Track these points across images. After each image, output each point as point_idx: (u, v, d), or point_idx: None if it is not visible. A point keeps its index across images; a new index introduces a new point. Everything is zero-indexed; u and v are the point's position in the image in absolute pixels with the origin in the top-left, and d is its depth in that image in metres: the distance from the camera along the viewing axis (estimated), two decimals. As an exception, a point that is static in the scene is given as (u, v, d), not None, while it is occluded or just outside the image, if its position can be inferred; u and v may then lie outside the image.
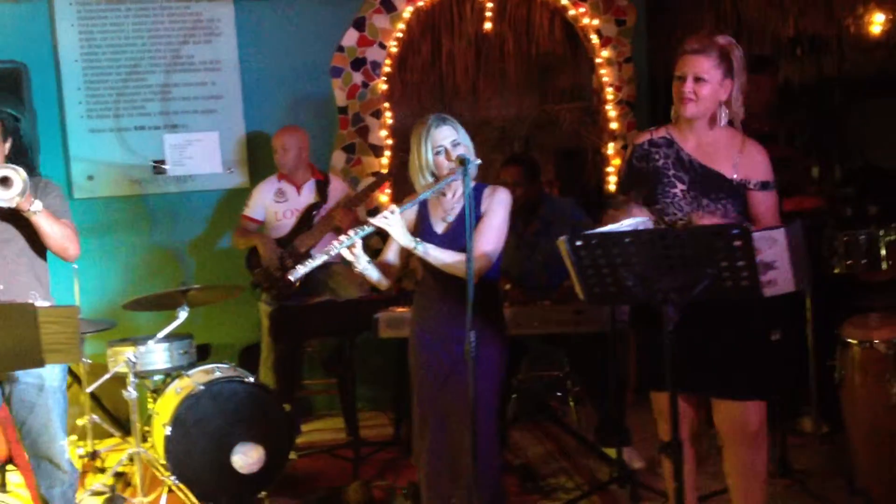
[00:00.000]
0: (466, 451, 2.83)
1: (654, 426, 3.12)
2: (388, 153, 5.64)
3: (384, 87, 5.65)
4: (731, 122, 2.94)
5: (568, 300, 3.97)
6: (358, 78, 5.63)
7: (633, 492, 3.81)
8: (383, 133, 5.65)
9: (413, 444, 3.28)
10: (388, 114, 5.67)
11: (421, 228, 3.13)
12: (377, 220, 2.92)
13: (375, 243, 4.09)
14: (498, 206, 3.03)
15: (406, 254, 3.14)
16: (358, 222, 4.23)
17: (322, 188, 5.06)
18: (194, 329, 4.48)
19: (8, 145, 3.18)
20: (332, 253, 2.95)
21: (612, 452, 4.06)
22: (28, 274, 3.19)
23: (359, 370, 4.72)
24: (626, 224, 2.60)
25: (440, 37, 5.83)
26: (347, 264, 3.05)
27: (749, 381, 2.86)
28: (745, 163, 2.87)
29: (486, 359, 2.93)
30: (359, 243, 2.95)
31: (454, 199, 3.11)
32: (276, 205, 5.05)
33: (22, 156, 3.30)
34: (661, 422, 3.02)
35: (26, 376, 3.05)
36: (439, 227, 3.11)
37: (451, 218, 3.09)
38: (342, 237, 2.96)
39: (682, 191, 2.90)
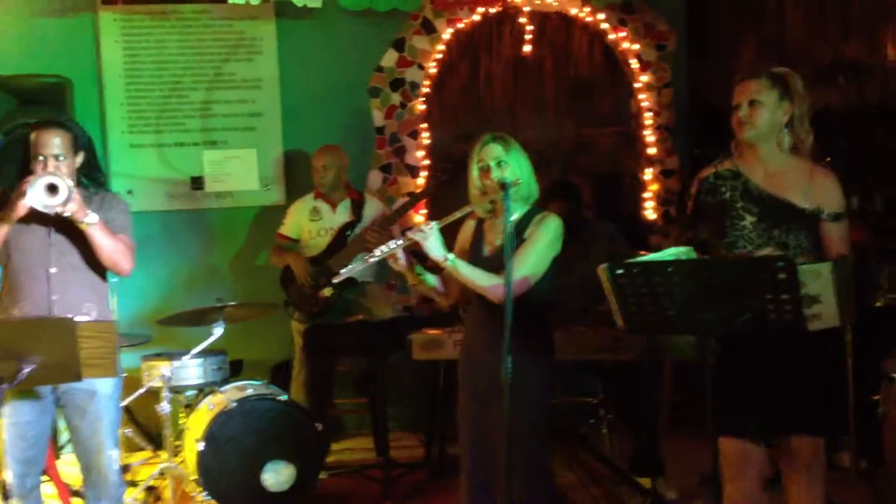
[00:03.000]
0: (511, 483, 2.79)
1: (689, 456, 3.06)
2: (424, 173, 5.65)
3: (422, 107, 5.68)
4: (795, 149, 2.89)
5: (604, 325, 3.94)
6: (396, 98, 5.66)
7: (666, 522, 3.77)
8: (420, 153, 5.67)
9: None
10: (425, 134, 5.69)
11: (473, 250, 3.14)
12: (413, 233, 2.96)
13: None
14: (542, 232, 3.00)
15: (449, 277, 3.12)
16: (390, 241, 4.24)
17: (357, 207, 5.08)
18: (227, 345, 4.49)
19: (79, 159, 3.20)
20: (371, 260, 3.02)
21: (645, 482, 4.01)
22: (83, 286, 3.20)
23: (390, 390, 4.70)
24: (668, 253, 2.57)
25: (479, 58, 5.84)
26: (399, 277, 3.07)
27: (810, 419, 2.80)
28: (817, 191, 2.82)
29: (529, 384, 2.91)
30: (400, 254, 2.98)
31: (502, 224, 3.05)
32: (310, 223, 5.08)
33: (95, 171, 3.30)
34: (729, 472, 2.85)
35: (80, 383, 3.01)
36: (487, 250, 3.10)
37: (499, 241, 3.07)
38: (383, 246, 2.99)
39: (751, 223, 2.85)
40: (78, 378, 2.85)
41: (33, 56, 5.25)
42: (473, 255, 3.09)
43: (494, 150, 3.01)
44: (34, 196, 2.97)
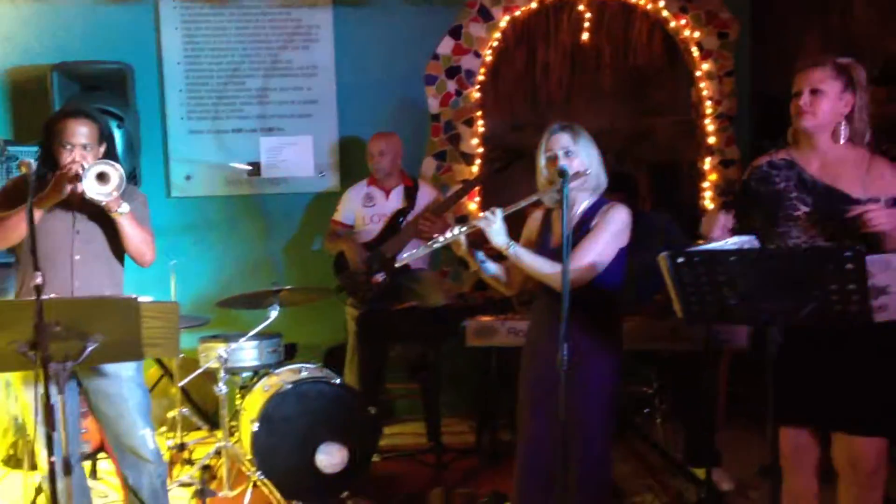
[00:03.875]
0: (567, 472, 2.77)
1: (745, 448, 3.02)
2: (478, 161, 5.64)
3: (477, 95, 5.67)
4: (851, 140, 2.83)
5: (660, 315, 3.90)
6: (452, 86, 5.65)
7: (721, 513, 3.74)
8: (475, 141, 5.66)
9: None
10: (480, 122, 5.68)
11: (541, 239, 3.12)
12: (477, 220, 2.94)
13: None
14: (608, 222, 2.97)
15: (520, 270, 3.10)
16: (445, 228, 4.24)
17: (411, 194, 5.09)
18: (282, 328, 4.55)
19: (102, 149, 3.24)
20: (434, 246, 3.00)
21: (700, 473, 3.97)
22: (104, 274, 3.24)
23: (442, 376, 4.72)
24: (730, 242, 2.53)
25: (535, 46, 5.81)
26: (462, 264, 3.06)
27: (871, 416, 2.73)
28: (875, 181, 2.75)
29: (593, 374, 2.90)
30: (463, 241, 2.98)
31: (574, 213, 3.04)
32: (364, 209, 5.10)
33: (115, 162, 3.34)
34: (787, 464, 2.82)
35: (100, 367, 3.09)
36: (553, 240, 3.07)
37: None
38: (447, 232, 2.97)
39: (805, 213, 2.80)
40: (140, 357, 2.90)
41: (96, 43, 5.34)
42: (540, 245, 3.07)
43: (562, 140, 2.99)
44: (88, 185, 3.01)
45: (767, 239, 2.80)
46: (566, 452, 2.72)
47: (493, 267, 3.12)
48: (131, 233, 3.18)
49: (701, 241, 2.78)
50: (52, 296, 2.89)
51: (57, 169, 3.14)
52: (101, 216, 3.17)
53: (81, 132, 3.16)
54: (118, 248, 3.24)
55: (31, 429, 3.24)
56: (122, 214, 3.13)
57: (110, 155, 3.25)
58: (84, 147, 3.15)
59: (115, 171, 3.03)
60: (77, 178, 3.03)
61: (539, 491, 2.99)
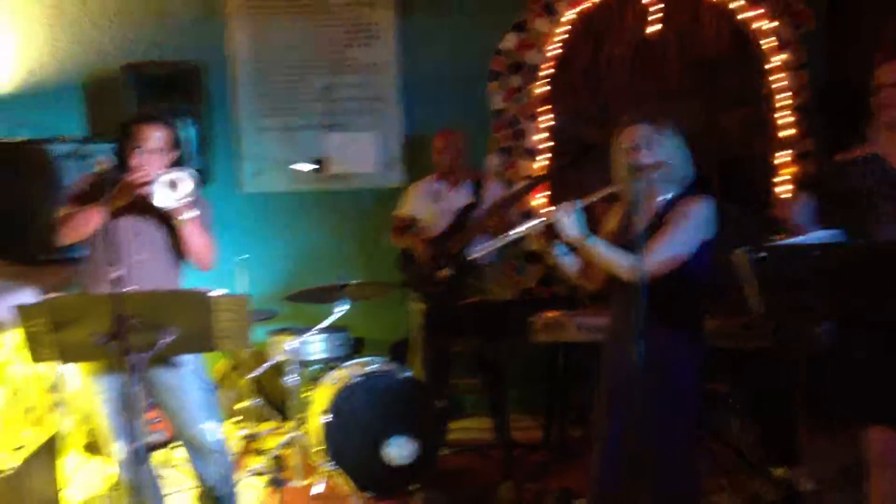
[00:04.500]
0: (648, 471, 2.74)
1: (826, 447, 2.95)
2: (542, 156, 5.61)
3: (541, 90, 5.63)
4: None
5: (734, 311, 3.83)
6: (516, 81, 5.63)
7: (801, 514, 3.67)
8: (539, 137, 5.63)
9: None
10: (544, 117, 5.65)
11: (621, 233, 3.06)
12: (554, 211, 2.90)
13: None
14: (687, 212, 2.90)
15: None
16: (510, 224, 4.23)
17: (477, 189, 5.08)
18: (349, 322, 4.59)
19: (174, 155, 3.28)
20: (509, 238, 2.98)
21: (779, 472, 3.89)
22: (159, 275, 3.28)
23: (508, 371, 4.71)
24: (813, 237, 2.46)
25: (601, 40, 5.73)
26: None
27: None
28: None
29: (674, 370, 2.85)
30: (544, 232, 2.95)
31: (652, 205, 3.00)
32: (430, 205, 5.11)
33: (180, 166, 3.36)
34: (876, 462, 2.75)
35: (161, 361, 3.14)
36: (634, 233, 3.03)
37: (644, 225, 3.01)
38: (522, 225, 2.95)
39: (892, 209, 2.74)
40: (212, 348, 2.94)
41: (167, 43, 5.45)
42: (621, 240, 3.00)
43: (638, 130, 2.94)
44: (160, 195, 3.06)
45: (851, 235, 2.73)
46: (643, 453, 2.68)
47: (573, 260, 3.07)
48: (192, 238, 3.22)
49: (780, 236, 2.72)
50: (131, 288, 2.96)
51: (127, 171, 3.19)
52: (161, 219, 3.22)
53: (156, 136, 3.21)
54: (177, 250, 3.29)
55: (99, 419, 3.30)
56: (186, 221, 3.17)
57: (182, 161, 3.30)
58: (156, 151, 3.20)
59: (189, 179, 3.08)
60: (145, 185, 3.08)
61: (615, 493, 2.94)
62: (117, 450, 3.23)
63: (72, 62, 5.46)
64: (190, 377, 3.29)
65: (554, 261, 3.05)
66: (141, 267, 3.22)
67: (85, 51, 5.48)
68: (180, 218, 3.15)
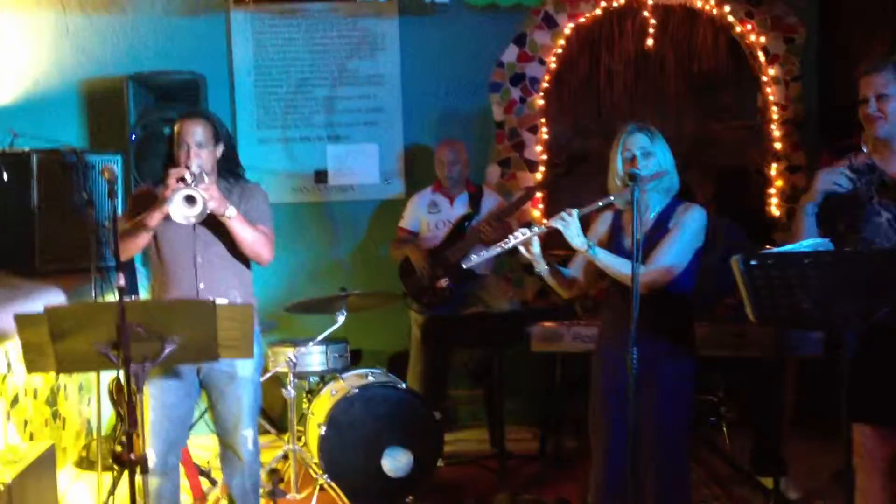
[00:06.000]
0: (647, 479, 2.76)
1: (812, 456, 2.97)
2: (542, 168, 5.65)
3: (541, 102, 5.68)
4: None
5: (727, 321, 3.87)
6: (516, 93, 5.68)
7: (790, 522, 3.70)
8: (539, 148, 5.67)
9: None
10: (544, 129, 5.69)
11: (612, 242, 3.10)
12: (553, 220, 2.92)
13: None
14: (687, 222, 2.95)
15: (592, 273, 3.09)
16: (508, 234, 4.25)
17: (475, 200, 5.12)
18: (347, 334, 4.61)
19: (219, 150, 3.35)
20: (507, 247, 2.98)
21: (768, 482, 3.92)
22: (228, 274, 3.34)
23: (505, 382, 4.73)
24: (804, 244, 2.50)
25: (599, 53, 5.79)
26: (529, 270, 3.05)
27: None
28: None
29: (672, 378, 2.88)
30: (535, 243, 2.97)
31: (646, 215, 3.03)
32: (429, 216, 5.14)
33: (233, 163, 3.45)
34: (860, 462, 2.78)
35: (220, 364, 3.15)
36: (627, 243, 3.04)
37: (640, 234, 3.03)
38: (517, 232, 2.97)
39: (888, 219, 2.76)
40: (215, 358, 2.93)
41: (169, 53, 5.49)
42: (614, 248, 3.03)
43: (640, 140, 2.97)
44: (174, 210, 3.11)
45: (849, 244, 2.76)
46: (641, 459, 2.70)
47: (566, 270, 3.10)
48: (243, 235, 3.28)
49: (769, 247, 2.75)
50: (133, 298, 2.99)
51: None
52: (219, 221, 3.26)
53: (196, 131, 3.27)
54: (239, 249, 3.34)
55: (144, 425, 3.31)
56: (231, 218, 3.22)
57: (229, 156, 3.38)
58: (199, 145, 3.26)
59: (199, 195, 3.11)
60: (182, 179, 3.13)
61: (616, 496, 2.95)
62: (149, 455, 3.21)
63: (73, 72, 5.51)
64: (247, 385, 3.33)
65: (541, 268, 3.05)
66: (206, 269, 3.29)
67: (88, 61, 5.53)
68: (223, 216, 3.20)
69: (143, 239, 3.25)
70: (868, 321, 2.31)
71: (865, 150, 2.89)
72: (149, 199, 3.28)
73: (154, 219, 3.17)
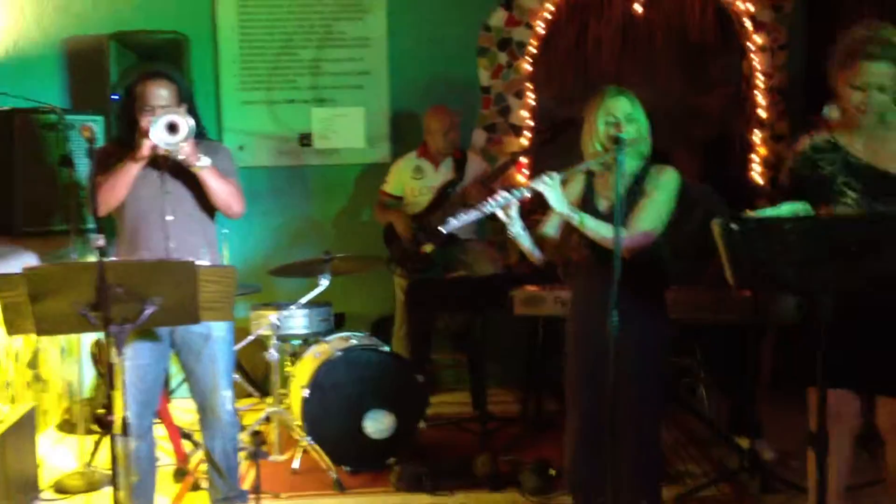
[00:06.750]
0: (620, 441, 2.78)
1: (787, 420, 3.00)
2: (528, 133, 5.63)
3: (528, 67, 5.65)
4: None
5: (706, 285, 3.90)
6: (503, 58, 5.64)
7: (763, 482, 3.75)
8: (525, 113, 5.65)
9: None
10: (530, 94, 5.66)
11: (585, 204, 3.06)
12: (535, 183, 2.89)
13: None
14: (663, 186, 2.94)
15: (566, 231, 3.07)
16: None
17: (459, 165, 5.11)
18: (331, 298, 4.60)
19: (182, 110, 3.23)
20: (486, 210, 2.93)
21: (743, 442, 3.98)
22: (198, 233, 3.30)
23: (489, 346, 4.75)
24: (784, 209, 2.51)
25: (587, 19, 5.74)
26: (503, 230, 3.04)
27: None
28: None
29: (645, 340, 2.89)
30: (514, 206, 2.94)
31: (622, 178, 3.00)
32: (413, 181, 5.13)
33: (196, 121, 3.38)
34: (829, 430, 2.77)
35: (195, 326, 3.11)
36: (602, 205, 3.03)
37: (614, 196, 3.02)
38: (497, 196, 2.94)
39: (854, 198, 2.74)
40: (196, 320, 2.89)
41: (152, 13, 5.40)
42: (588, 210, 3.00)
43: (624, 105, 2.94)
44: (156, 134, 3.05)
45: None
46: (616, 420, 2.73)
47: (526, 235, 3.05)
48: (215, 186, 3.22)
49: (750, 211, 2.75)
50: (113, 259, 2.95)
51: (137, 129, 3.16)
52: (188, 176, 3.21)
53: (161, 94, 3.18)
54: (208, 205, 3.29)
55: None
56: (203, 168, 3.17)
57: (192, 114, 3.23)
58: (164, 109, 3.15)
59: (184, 121, 3.06)
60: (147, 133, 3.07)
61: (591, 460, 2.98)
62: (125, 419, 3.21)
63: (55, 30, 5.43)
64: (222, 345, 3.31)
65: (515, 231, 3.01)
66: (176, 226, 3.23)
67: (70, 20, 5.45)
68: (196, 166, 3.15)
69: (128, 177, 3.13)
70: (847, 287, 2.32)
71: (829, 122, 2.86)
72: (117, 154, 3.19)
73: (145, 147, 3.08)
